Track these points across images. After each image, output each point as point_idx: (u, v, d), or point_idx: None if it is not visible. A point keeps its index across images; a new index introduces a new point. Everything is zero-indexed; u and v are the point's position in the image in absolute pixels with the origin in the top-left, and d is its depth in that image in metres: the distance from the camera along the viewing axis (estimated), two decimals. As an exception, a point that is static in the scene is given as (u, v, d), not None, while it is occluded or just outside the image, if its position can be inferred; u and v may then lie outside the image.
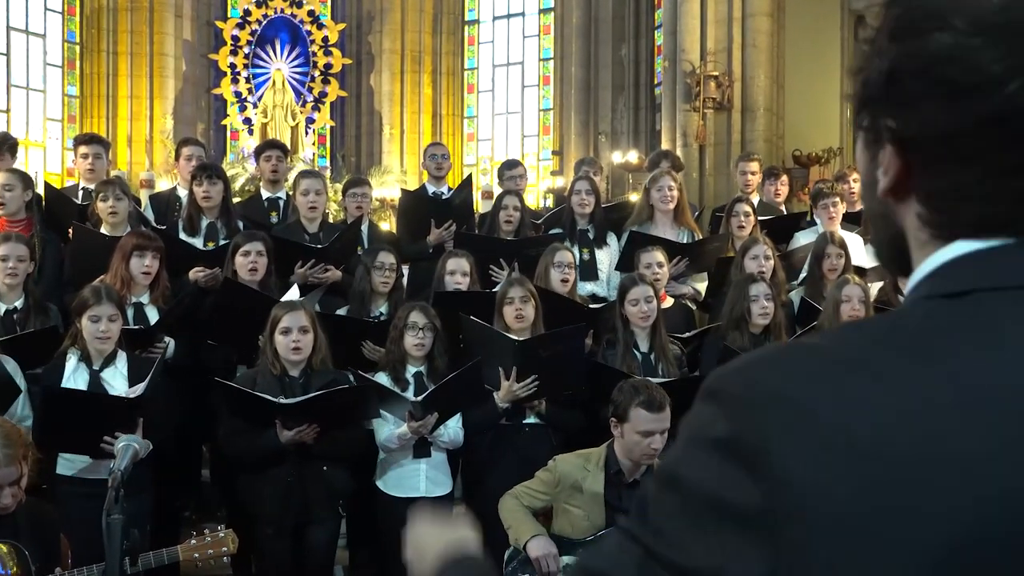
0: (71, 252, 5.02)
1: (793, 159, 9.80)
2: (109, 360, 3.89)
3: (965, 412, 0.65)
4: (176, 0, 13.31)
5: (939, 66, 0.70)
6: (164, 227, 5.45)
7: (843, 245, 5.12)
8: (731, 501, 0.67)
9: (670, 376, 4.19)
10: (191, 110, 13.51)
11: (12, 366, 3.84)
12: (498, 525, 3.43)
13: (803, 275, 5.38)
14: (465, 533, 1.11)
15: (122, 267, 4.41)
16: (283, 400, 3.83)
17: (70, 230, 5.16)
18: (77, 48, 13.05)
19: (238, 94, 13.83)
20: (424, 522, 1.17)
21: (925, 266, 0.75)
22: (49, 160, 12.63)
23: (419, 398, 3.96)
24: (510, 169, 6.69)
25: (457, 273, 4.79)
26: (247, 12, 13.99)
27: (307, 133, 13.74)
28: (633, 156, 10.99)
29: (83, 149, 5.90)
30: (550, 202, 9.94)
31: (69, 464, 3.80)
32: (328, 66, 14.17)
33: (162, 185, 8.32)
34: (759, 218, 5.75)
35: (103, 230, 4.97)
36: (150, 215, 5.86)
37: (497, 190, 6.76)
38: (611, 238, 5.64)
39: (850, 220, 5.94)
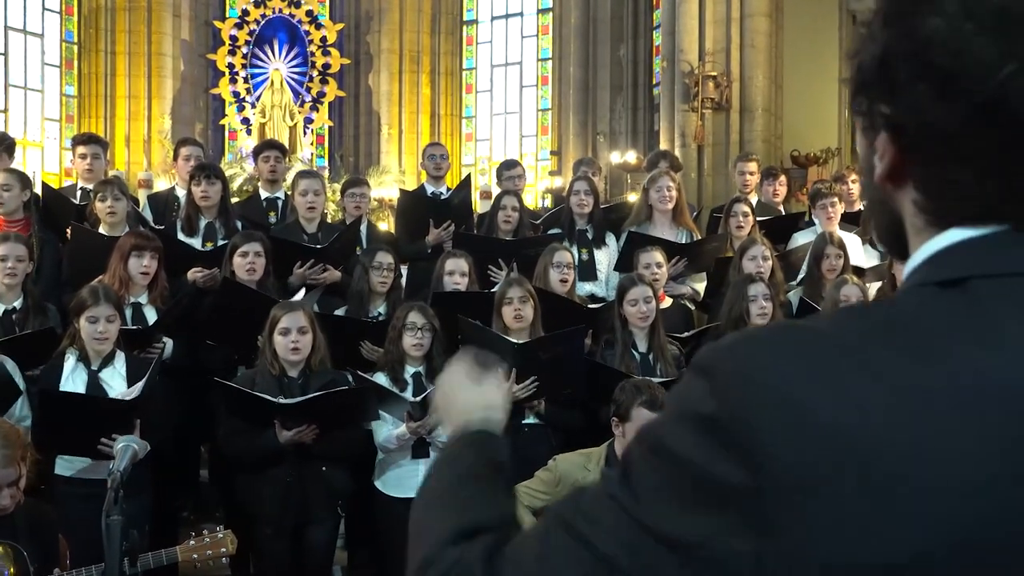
0: (69, 252, 5.02)
1: (791, 159, 9.80)
2: (107, 360, 3.88)
3: (958, 410, 0.64)
4: (174, 0, 13.30)
5: (930, 51, 0.70)
6: (162, 227, 5.44)
7: (842, 245, 5.13)
8: (716, 480, 0.67)
9: (669, 376, 4.19)
10: (189, 110, 13.50)
11: (12, 367, 3.84)
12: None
13: (801, 275, 5.38)
14: (494, 400, 1.11)
15: (120, 267, 4.40)
16: (283, 400, 3.83)
17: (68, 230, 5.16)
18: (75, 48, 13.04)
19: (236, 94, 13.82)
20: (461, 372, 1.16)
21: (920, 253, 0.75)
22: (47, 160, 12.61)
23: (418, 398, 3.96)
24: (509, 169, 6.70)
25: (456, 273, 4.79)
26: (245, 12, 13.98)
27: (305, 133, 13.73)
28: (631, 156, 10.98)
29: (81, 149, 5.90)
30: (548, 202, 9.94)
31: (68, 465, 3.79)
32: (326, 66, 14.16)
33: (160, 185, 8.31)
34: (757, 218, 5.75)
35: (101, 230, 4.97)
36: (148, 215, 5.86)
37: (495, 190, 6.76)
38: (610, 238, 5.64)
39: (848, 220, 5.94)
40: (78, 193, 5.80)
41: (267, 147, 6.32)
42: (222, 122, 13.92)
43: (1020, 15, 0.68)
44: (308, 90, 14.03)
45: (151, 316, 4.44)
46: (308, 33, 14.17)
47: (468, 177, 7.46)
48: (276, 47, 13.97)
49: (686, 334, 4.85)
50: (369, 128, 14.28)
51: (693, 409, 0.70)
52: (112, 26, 12.98)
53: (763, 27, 10.03)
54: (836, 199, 5.78)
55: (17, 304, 4.33)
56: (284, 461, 3.88)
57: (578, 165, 6.94)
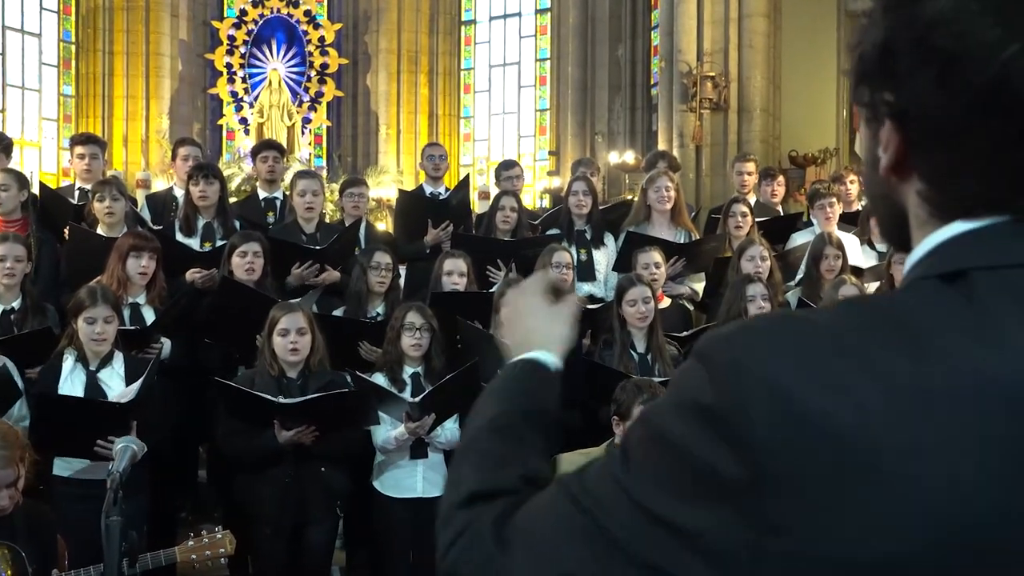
0: (67, 252, 5.01)
1: (789, 160, 9.81)
2: (106, 361, 3.88)
3: (956, 408, 0.64)
4: (172, 0, 13.29)
5: (932, 34, 0.69)
6: (160, 227, 5.44)
7: (840, 246, 5.13)
8: (714, 473, 0.67)
9: (667, 376, 4.19)
10: (187, 110, 13.49)
11: (11, 368, 3.83)
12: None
13: (800, 276, 5.38)
14: (558, 333, 1.10)
15: (118, 268, 4.40)
16: (283, 400, 3.83)
17: (66, 230, 5.15)
18: (73, 47, 13.03)
19: (234, 94, 13.81)
20: (533, 294, 1.15)
21: (923, 246, 0.74)
22: (44, 160, 12.60)
23: (417, 399, 3.96)
24: (507, 170, 6.69)
25: (454, 273, 4.79)
26: (243, 12, 13.97)
27: (303, 133, 13.73)
28: (630, 156, 10.99)
29: (80, 149, 5.89)
30: (546, 202, 9.94)
31: (66, 465, 3.79)
32: (324, 66, 14.16)
33: (158, 185, 8.29)
34: (755, 219, 5.75)
35: (99, 230, 4.96)
36: (146, 215, 5.85)
37: (494, 190, 6.76)
38: (608, 239, 5.64)
39: (847, 221, 5.94)
40: (76, 193, 5.79)
41: (265, 147, 6.32)
42: (220, 122, 13.91)
43: None
44: (306, 90, 14.03)
45: (149, 316, 4.44)
46: (306, 33, 14.17)
47: (467, 177, 7.45)
48: (274, 47, 13.97)
49: (685, 333, 4.86)
50: (367, 128, 14.28)
51: (692, 398, 0.70)
52: (110, 26, 12.97)
53: (761, 27, 10.03)
54: (834, 199, 5.79)
55: (16, 304, 4.32)
56: (283, 461, 3.87)
57: (576, 165, 6.94)
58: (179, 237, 5.20)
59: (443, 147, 7.37)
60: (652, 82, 11.90)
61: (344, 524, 4.44)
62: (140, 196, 6.57)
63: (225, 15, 14.08)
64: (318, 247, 5.14)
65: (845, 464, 0.64)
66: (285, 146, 9.04)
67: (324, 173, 11.40)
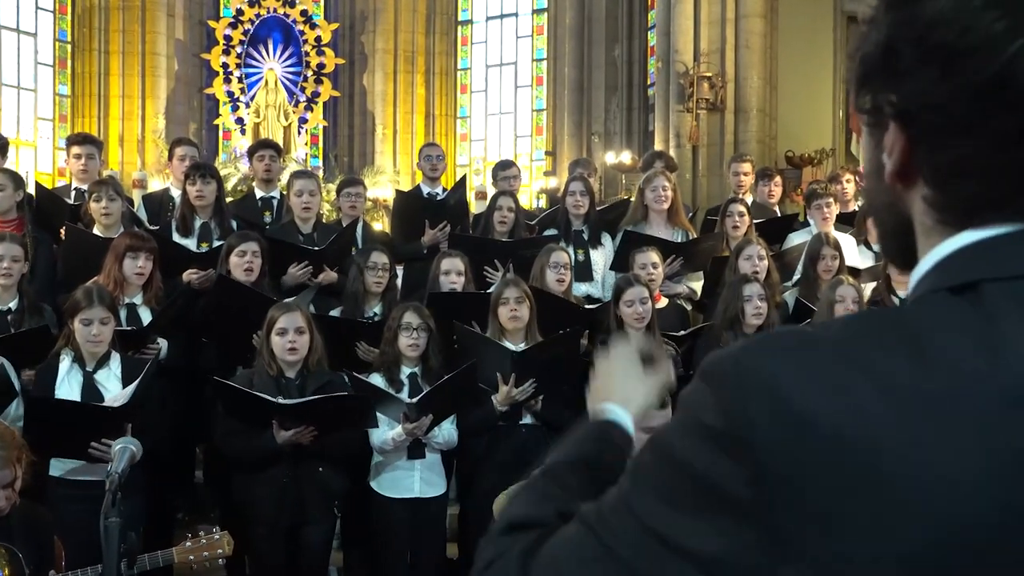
0: (64, 253, 4.99)
1: (786, 160, 9.82)
2: (103, 362, 3.87)
3: (960, 418, 0.64)
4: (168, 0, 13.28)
5: (936, 31, 0.68)
6: (157, 227, 5.43)
7: (837, 246, 5.14)
8: (728, 496, 0.67)
9: (665, 377, 4.19)
10: (183, 110, 13.46)
11: (9, 368, 3.82)
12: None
13: (797, 276, 5.39)
14: (634, 396, 1.16)
15: (115, 268, 4.39)
16: (283, 400, 3.82)
17: (62, 230, 5.14)
18: (68, 47, 12.99)
19: (230, 94, 13.79)
20: (625, 357, 1.20)
21: (930, 258, 0.73)
22: (40, 160, 12.57)
23: (414, 400, 3.96)
24: (504, 170, 6.70)
25: (452, 273, 4.79)
26: (240, 11, 13.95)
27: (300, 133, 13.71)
28: (626, 157, 11.00)
29: (76, 149, 5.88)
30: (543, 202, 9.95)
31: (62, 466, 3.78)
32: (321, 66, 14.14)
33: (154, 185, 8.28)
34: (752, 219, 5.76)
35: (96, 231, 4.95)
36: (143, 215, 5.84)
37: (491, 190, 6.76)
38: (606, 239, 5.65)
39: (844, 221, 5.95)
40: (72, 193, 5.78)
41: (262, 146, 6.31)
42: (216, 122, 13.89)
43: None
44: (302, 90, 14.01)
45: (146, 317, 4.43)
46: (303, 33, 14.15)
47: (464, 178, 7.46)
48: (270, 47, 13.94)
49: (682, 333, 4.86)
50: (364, 128, 14.26)
51: (698, 417, 0.70)
52: (106, 25, 12.94)
53: (758, 28, 10.04)
54: (831, 199, 5.79)
55: (13, 305, 4.31)
56: (280, 462, 3.87)
57: (573, 166, 6.95)
58: (176, 237, 5.19)
59: (440, 147, 7.37)
60: (649, 82, 11.91)
61: (341, 524, 4.44)
62: (136, 196, 6.57)
63: (221, 15, 14.05)
64: (316, 247, 5.14)
65: (845, 464, 0.64)
66: (281, 146, 9.02)
67: (320, 173, 11.38)
